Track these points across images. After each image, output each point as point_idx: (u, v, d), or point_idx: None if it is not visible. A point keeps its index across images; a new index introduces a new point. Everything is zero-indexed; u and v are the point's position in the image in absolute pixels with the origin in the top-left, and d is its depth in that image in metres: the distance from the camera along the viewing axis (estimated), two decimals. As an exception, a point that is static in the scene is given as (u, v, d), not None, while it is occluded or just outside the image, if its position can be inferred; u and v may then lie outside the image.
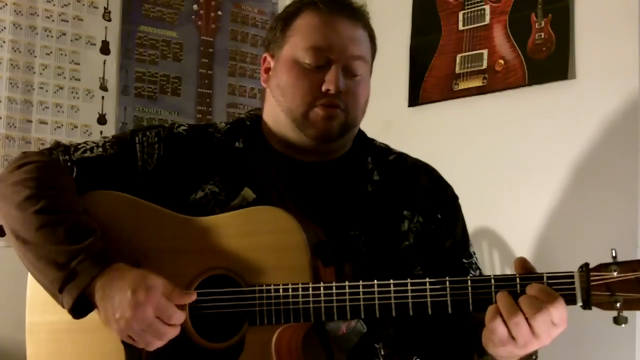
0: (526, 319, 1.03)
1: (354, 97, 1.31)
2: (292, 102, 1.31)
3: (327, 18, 1.31)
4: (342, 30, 1.31)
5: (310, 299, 1.15)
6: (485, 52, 2.56)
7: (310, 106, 1.29)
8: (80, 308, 1.17)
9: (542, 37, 2.38)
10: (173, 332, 1.15)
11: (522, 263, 1.10)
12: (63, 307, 1.18)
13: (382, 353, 1.28)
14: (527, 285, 1.06)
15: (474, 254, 1.38)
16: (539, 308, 1.02)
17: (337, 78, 1.27)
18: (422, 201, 1.35)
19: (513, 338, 1.04)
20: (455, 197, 1.41)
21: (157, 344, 1.15)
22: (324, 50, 1.29)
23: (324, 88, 1.28)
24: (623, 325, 1.03)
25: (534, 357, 1.12)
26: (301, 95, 1.29)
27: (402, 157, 1.43)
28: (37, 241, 1.20)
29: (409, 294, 1.12)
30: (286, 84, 1.31)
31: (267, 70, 1.38)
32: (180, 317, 1.15)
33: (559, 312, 1.03)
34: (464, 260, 1.35)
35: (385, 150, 1.43)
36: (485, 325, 1.08)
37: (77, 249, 1.17)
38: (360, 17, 1.34)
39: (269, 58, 1.38)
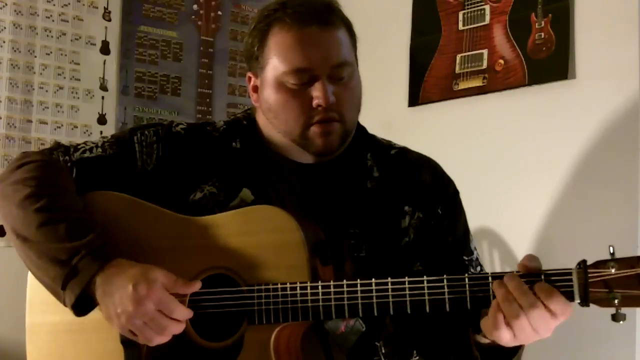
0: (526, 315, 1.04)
1: (346, 102, 1.29)
2: (287, 125, 1.29)
3: (299, 35, 1.26)
4: (318, 43, 1.26)
5: (309, 297, 1.16)
6: (485, 52, 2.56)
7: (306, 126, 1.27)
8: (82, 305, 1.17)
9: (542, 37, 2.37)
10: (176, 328, 1.15)
11: (526, 262, 1.09)
12: (65, 304, 1.18)
13: (383, 351, 1.28)
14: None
15: (475, 249, 1.38)
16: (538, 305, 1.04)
17: (325, 92, 1.25)
18: (423, 196, 1.35)
19: (515, 335, 1.07)
20: (456, 193, 1.40)
21: (159, 339, 1.15)
22: (306, 70, 1.26)
23: (314, 104, 1.26)
24: (621, 322, 1.03)
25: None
26: (294, 117, 1.28)
27: (404, 151, 1.41)
28: (38, 239, 1.20)
29: (407, 292, 1.12)
30: (277, 107, 1.29)
31: (255, 88, 1.35)
32: (182, 312, 1.15)
33: (559, 305, 1.04)
34: (464, 257, 1.35)
35: (387, 145, 1.42)
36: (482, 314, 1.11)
37: (78, 246, 1.18)
38: (331, 18, 1.28)
39: (253, 77, 1.35)
